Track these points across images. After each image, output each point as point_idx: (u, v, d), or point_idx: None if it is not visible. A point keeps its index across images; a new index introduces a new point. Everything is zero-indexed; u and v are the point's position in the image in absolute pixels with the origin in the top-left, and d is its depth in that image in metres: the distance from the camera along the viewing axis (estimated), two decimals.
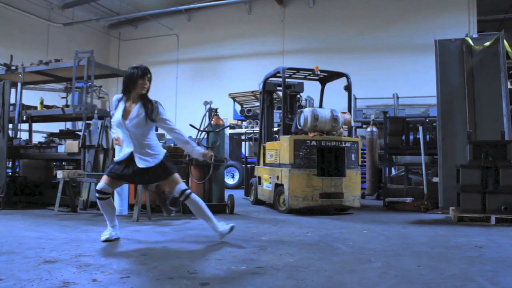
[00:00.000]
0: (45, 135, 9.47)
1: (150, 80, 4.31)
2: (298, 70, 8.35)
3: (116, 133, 4.42)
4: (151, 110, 4.24)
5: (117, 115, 4.26)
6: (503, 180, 6.18)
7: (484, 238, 4.92)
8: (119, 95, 4.36)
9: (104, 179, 4.31)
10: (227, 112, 14.78)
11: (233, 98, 15.62)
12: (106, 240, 4.29)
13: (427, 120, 9.11)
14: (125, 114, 4.23)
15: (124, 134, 4.28)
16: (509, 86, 8.27)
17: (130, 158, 4.26)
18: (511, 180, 6.17)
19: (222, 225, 4.50)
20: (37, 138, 10.73)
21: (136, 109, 4.23)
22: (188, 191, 4.38)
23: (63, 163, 9.98)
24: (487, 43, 7.70)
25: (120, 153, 4.37)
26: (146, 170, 4.25)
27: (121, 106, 4.28)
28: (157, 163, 4.29)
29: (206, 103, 7.86)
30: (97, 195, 4.30)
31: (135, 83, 4.22)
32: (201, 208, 4.43)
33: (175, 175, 4.39)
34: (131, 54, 21.15)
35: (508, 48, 7.72)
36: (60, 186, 6.75)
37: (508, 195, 6.14)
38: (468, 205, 6.30)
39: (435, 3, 16.42)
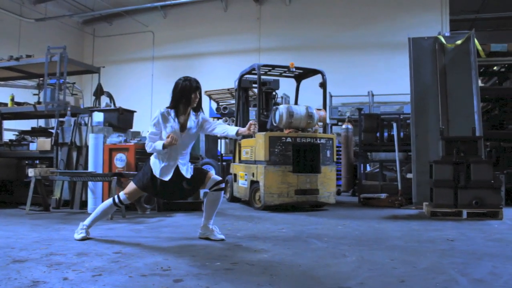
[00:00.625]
0: (16, 132, 9.26)
1: (200, 93, 4.30)
2: (273, 67, 8.36)
3: (158, 145, 4.09)
4: (202, 120, 4.35)
5: (169, 129, 4.14)
6: (474, 175, 6.30)
7: (456, 231, 5.01)
8: (164, 109, 4.24)
9: (131, 190, 4.22)
10: (203, 110, 14.69)
11: (209, 96, 15.53)
12: (83, 239, 4.23)
13: (401, 117, 9.22)
14: (182, 127, 4.21)
15: (173, 148, 4.14)
16: (479, 83, 8.44)
17: (176, 172, 4.17)
18: (482, 175, 6.29)
19: (217, 231, 4.46)
20: (8, 136, 10.48)
21: (190, 121, 4.24)
22: (223, 184, 4.35)
23: (36, 161, 9.78)
24: (459, 42, 7.83)
25: (162, 168, 4.16)
26: (189, 179, 4.24)
27: (173, 119, 4.18)
28: (194, 168, 4.35)
29: None
30: (115, 201, 4.24)
31: (189, 97, 4.18)
32: (217, 205, 4.37)
33: (209, 172, 4.36)
34: (106, 51, 20.84)
35: (479, 47, 7.88)
36: (32, 185, 6.62)
37: (479, 190, 6.26)
38: (440, 200, 6.40)
39: (409, 2, 16.63)
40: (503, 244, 4.28)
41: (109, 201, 4.31)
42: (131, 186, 4.23)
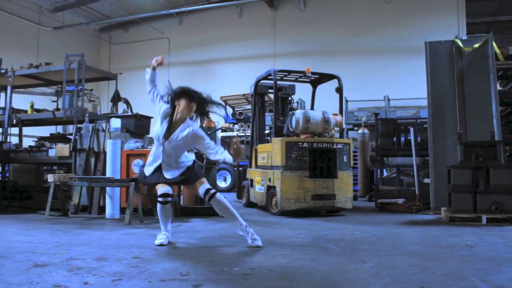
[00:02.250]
0: (35, 139, 9.40)
1: (195, 102, 4.42)
2: (289, 72, 8.36)
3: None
4: (192, 134, 4.40)
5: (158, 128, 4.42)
6: (494, 180, 6.22)
7: (476, 237, 4.95)
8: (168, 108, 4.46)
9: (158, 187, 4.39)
10: (219, 115, 14.74)
11: (225, 101, 15.61)
12: (160, 245, 4.26)
13: (418, 122, 9.14)
14: (167, 134, 4.35)
15: (159, 151, 4.41)
16: (498, 87, 8.33)
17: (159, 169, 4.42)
18: (502, 180, 6.21)
19: (253, 236, 4.34)
20: (28, 142, 10.63)
21: (179, 131, 4.35)
22: (213, 190, 4.36)
23: (54, 167, 9.91)
24: (477, 45, 7.75)
25: (147, 169, 4.50)
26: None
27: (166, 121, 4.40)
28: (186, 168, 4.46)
29: None
30: (160, 199, 4.32)
31: (173, 104, 4.42)
32: (226, 207, 4.34)
33: (203, 179, 4.44)
34: (122, 58, 21.10)
35: (497, 50, 7.79)
36: (51, 190, 6.70)
37: (498, 195, 6.18)
38: (459, 205, 6.33)
39: (425, 6, 16.55)
40: None
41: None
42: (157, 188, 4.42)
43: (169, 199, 4.34)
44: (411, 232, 5.38)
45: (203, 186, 4.34)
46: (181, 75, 19.92)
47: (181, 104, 4.28)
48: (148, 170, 4.44)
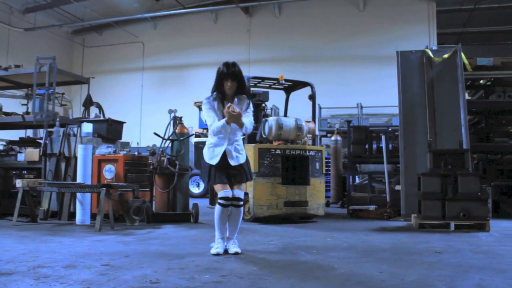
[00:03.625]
0: (4, 142, 9.19)
1: (236, 79, 4.28)
2: (263, 79, 8.41)
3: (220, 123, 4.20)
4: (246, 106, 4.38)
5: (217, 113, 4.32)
6: (462, 188, 6.36)
7: (444, 244, 5.05)
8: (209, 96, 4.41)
9: (220, 187, 4.20)
10: (193, 121, 14.70)
11: (199, 107, 15.55)
12: (217, 254, 4.11)
13: (389, 129, 9.28)
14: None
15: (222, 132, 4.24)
16: (466, 96, 8.54)
17: (224, 157, 4.24)
18: (469, 188, 6.35)
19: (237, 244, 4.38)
20: None
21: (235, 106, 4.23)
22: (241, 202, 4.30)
23: (23, 171, 9.69)
24: (446, 55, 7.93)
25: (211, 153, 4.29)
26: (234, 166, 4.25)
27: (216, 103, 4.32)
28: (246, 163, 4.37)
29: (170, 111, 7.80)
30: (221, 202, 4.14)
31: (220, 83, 4.28)
32: (239, 220, 4.34)
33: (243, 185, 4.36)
34: (96, 61, 20.82)
35: (465, 60, 7.99)
36: (19, 196, 6.55)
37: (466, 202, 6.32)
38: (428, 212, 6.45)
39: (397, 15, 16.88)
40: (490, 256, 4.32)
41: (217, 208, 4.21)
42: (216, 187, 4.25)
43: (229, 202, 4.18)
44: (382, 239, 5.46)
45: (242, 191, 4.29)
46: (155, 80, 19.82)
47: (224, 82, 4.22)
48: (214, 160, 4.22)
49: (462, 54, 7.91)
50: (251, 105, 4.38)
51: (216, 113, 4.24)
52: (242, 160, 4.28)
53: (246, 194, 7.21)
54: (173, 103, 12.93)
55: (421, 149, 7.55)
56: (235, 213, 4.27)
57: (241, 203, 4.27)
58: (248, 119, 4.25)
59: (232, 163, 4.20)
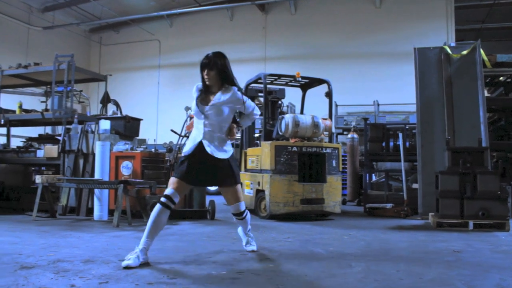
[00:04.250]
0: (23, 139, 9.32)
1: (215, 68, 3.92)
2: (279, 76, 8.39)
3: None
4: (231, 97, 3.94)
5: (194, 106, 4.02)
6: (481, 186, 6.28)
7: (462, 243, 4.99)
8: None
9: (171, 182, 3.80)
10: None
11: None
12: (127, 267, 3.37)
13: (406, 127, 9.21)
14: (202, 103, 3.93)
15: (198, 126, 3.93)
16: (486, 93, 8.42)
17: (199, 150, 3.83)
18: (488, 186, 6.27)
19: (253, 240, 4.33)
20: (16, 143, 10.54)
21: (217, 97, 3.92)
22: (246, 214, 4.16)
23: (42, 168, 9.83)
24: (465, 52, 7.83)
25: (188, 144, 3.96)
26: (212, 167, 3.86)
27: (197, 96, 4.03)
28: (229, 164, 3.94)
29: (187, 108, 7.83)
30: (164, 200, 3.69)
31: (201, 74, 4.00)
32: (247, 224, 4.26)
33: (239, 187, 4.06)
34: (113, 59, 21.00)
35: (485, 57, 7.87)
36: (39, 191, 6.65)
37: (485, 201, 6.24)
38: (446, 211, 6.38)
39: (414, 12, 16.70)
40: (510, 256, 4.26)
41: (157, 206, 3.70)
42: (171, 179, 3.86)
43: (172, 205, 3.73)
44: (399, 237, 5.42)
45: (240, 205, 4.05)
46: (171, 77, 19.91)
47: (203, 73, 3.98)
48: (186, 150, 3.90)
49: (481, 51, 7.80)
50: (239, 94, 3.93)
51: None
52: (222, 154, 3.85)
53: (263, 191, 7.22)
54: (189, 100, 12.99)
55: (439, 147, 7.48)
56: (239, 223, 4.23)
57: (243, 216, 4.13)
58: (247, 117, 4.09)
59: (208, 150, 3.79)
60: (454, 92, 7.74)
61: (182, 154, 3.94)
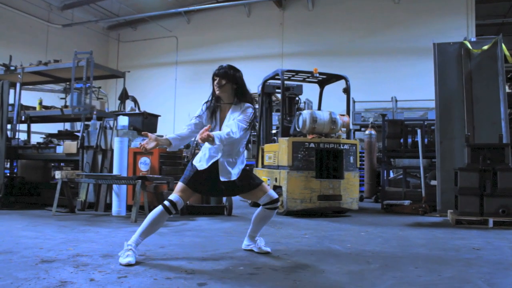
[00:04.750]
0: (43, 135, 9.46)
1: (223, 78, 3.72)
2: (297, 72, 8.36)
3: None
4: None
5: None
6: (501, 183, 6.18)
7: (482, 240, 4.93)
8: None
9: (178, 188, 3.67)
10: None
11: None
12: (128, 265, 3.34)
13: (425, 123, 9.11)
14: (215, 119, 3.75)
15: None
16: (507, 89, 8.28)
17: (214, 166, 3.66)
18: (509, 183, 6.17)
19: (263, 242, 4.08)
20: (36, 139, 10.72)
21: (229, 113, 3.73)
22: (278, 203, 3.89)
23: (62, 163, 9.97)
24: (485, 47, 7.70)
25: (201, 158, 3.73)
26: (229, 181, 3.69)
27: (204, 111, 3.80)
28: (243, 171, 3.77)
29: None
30: (167, 204, 3.56)
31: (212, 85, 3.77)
32: (267, 222, 4.02)
33: (263, 184, 3.84)
34: (130, 56, 21.15)
35: (506, 52, 7.73)
36: (58, 187, 6.74)
37: (506, 198, 6.14)
38: (466, 208, 6.30)
39: (434, 7, 16.47)
40: None
41: (158, 208, 3.60)
42: (178, 184, 3.71)
43: (174, 212, 3.62)
44: (417, 234, 5.37)
45: (271, 193, 3.79)
46: (189, 74, 19.97)
47: (213, 83, 3.76)
48: (200, 165, 3.68)
49: (503, 46, 7.66)
50: (249, 111, 3.67)
51: (199, 126, 3.70)
52: (233, 176, 3.67)
53: (280, 188, 7.21)
54: (206, 96, 13.05)
55: (458, 144, 7.37)
56: (265, 215, 3.92)
57: (277, 205, 3.87)
58: (227, 129, 3.50)
59: (222, 178, 3.63)
60: (474, 88, 7.62)
61: (194, 165, 3.70)
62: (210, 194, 4.01)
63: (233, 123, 3.54)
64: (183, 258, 3.67)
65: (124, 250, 3.47)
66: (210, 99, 3.80)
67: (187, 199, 3.74)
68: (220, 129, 3.63)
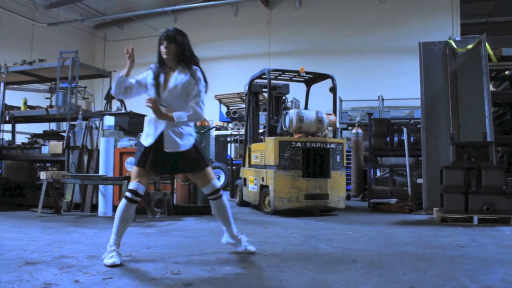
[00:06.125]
0: (28, 136, 9.36)
1: (171, 42, 3.65)
2: (283, 71, 8.37)
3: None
4: (190, 79, 3.66)
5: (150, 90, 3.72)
6: (485, 181, 6.25)
7: (467, 238, 4.98)
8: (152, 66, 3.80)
9: (133, 173, 3.58)
10: (213, 114, 14.73)
11: (219, 100, 15.60)
12: (113, 265, 3.30)
13: (411, 122, 9.18)
14: (160, 86, 3.66)
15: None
16: (491, 88, 8.37)
17: (160, 140, 3.55)
18: (493, 181, 6.24)
19: (246, 240, 3.99)
20: (21, 139, 10.59)
21: (173, 78, 3.67)
22: (221, 192, 3.80)
23: (47, 164, 9.88)
24: (470, 46, 7.79)
25: (147, 133, 3.63)
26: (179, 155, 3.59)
27: (152, 77, 3.75)
28: (195, 149, 3.66)
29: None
30: (128, 195, 3.49)
31: (158, 49, 3.70)
32: (226, 211, 3.83)
33: (209, 168, 3.76)
34: (117, 55, 20.90)
35: (490, 51, 7.82)
36: (44, 188, 6.68)
37: (490, 196, 6.21)
38: (451, 206, 6.36)
39: (419, 6, 16.59)
40: None
41: (122, 202, 3.52)
42: (132, 169, 3.64)
43: (138, 199, 3.52)
44: (403, 232, 5.41)
45: (213, 183, 3.72)
46: None
47: (161, 47, 3.71)
48: (147, 141, 3.58)
49: (487, 45, 7.75)
50: (198, 73, 3.71)
51: (142, 86, 3.79)
52: (183, 147, 3.57)
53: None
54: None
55: (444, 142, 7.45)
56: (217, 206, 3.80)
57: (219, 194, 3.76)
58: (190, 108, 3.55)
59: (167, 149, 3.53)
60: (459, 86, 7.70)
61: (142, 143, 3.59)
62: (164, 170, 3.85)
63: (193, 105, 3.56)
64: (169, 258, 3.66)
65: (108, 252, 3.44)
66: (154, 67, 3.77)
67: (146, 181, 3.60)
68: (164, 91, 3.62)
